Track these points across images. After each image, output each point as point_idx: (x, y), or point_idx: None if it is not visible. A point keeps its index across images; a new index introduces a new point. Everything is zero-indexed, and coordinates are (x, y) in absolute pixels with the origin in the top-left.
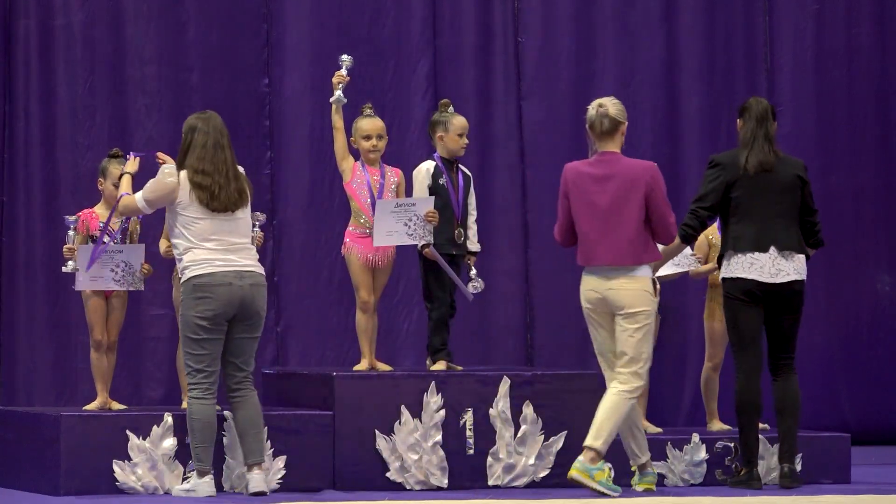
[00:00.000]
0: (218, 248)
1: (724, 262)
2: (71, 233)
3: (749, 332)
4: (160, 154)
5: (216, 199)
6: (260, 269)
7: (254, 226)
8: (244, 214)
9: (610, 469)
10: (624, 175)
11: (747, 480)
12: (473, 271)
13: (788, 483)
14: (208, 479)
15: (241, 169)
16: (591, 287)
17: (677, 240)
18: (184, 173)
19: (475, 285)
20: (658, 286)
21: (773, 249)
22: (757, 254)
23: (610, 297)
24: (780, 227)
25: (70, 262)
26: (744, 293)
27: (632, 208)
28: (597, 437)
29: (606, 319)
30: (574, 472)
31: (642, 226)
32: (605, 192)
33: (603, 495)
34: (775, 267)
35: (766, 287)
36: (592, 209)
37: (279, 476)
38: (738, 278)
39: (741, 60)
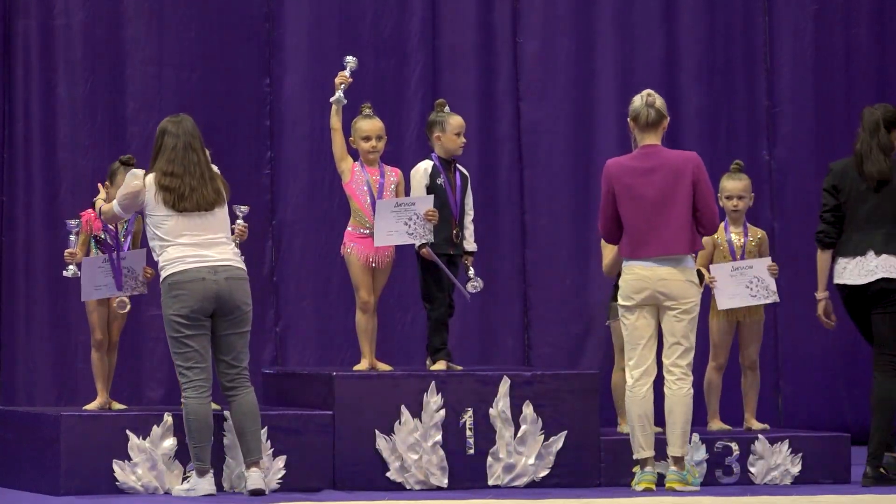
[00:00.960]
0: (189, 243)
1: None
2: (73, 237)
3: (867, 332)
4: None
5: (186, 200)
6: (237, 263)
7: (237, 217)
8: (220, 211)
9: (695, 466)
10: (669, 166)
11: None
12: (471, 271)
13: (871, 483)
14: (208, 478)
15: (215, 168)
16: (636, 278)
17: (822, 252)
18: (151, 176)
19: (474, 285)
20: (704, 276)
21: (870, 253)
22: (853, 258)
23: (659, 288)
24: (881, 232)
25: (71, 267)
26: (844, 298)
27: (679, 199)
28: (683, 444)
29: (651, 311)
30: (672, 484)
31: (690, 216)
32: (652, 184)
33: (694, 493)
34: (866, 268)
35: (856, 288)
36: (639, 201)
37: (279, 476)
38: (837, 285)
39: (740, 60)
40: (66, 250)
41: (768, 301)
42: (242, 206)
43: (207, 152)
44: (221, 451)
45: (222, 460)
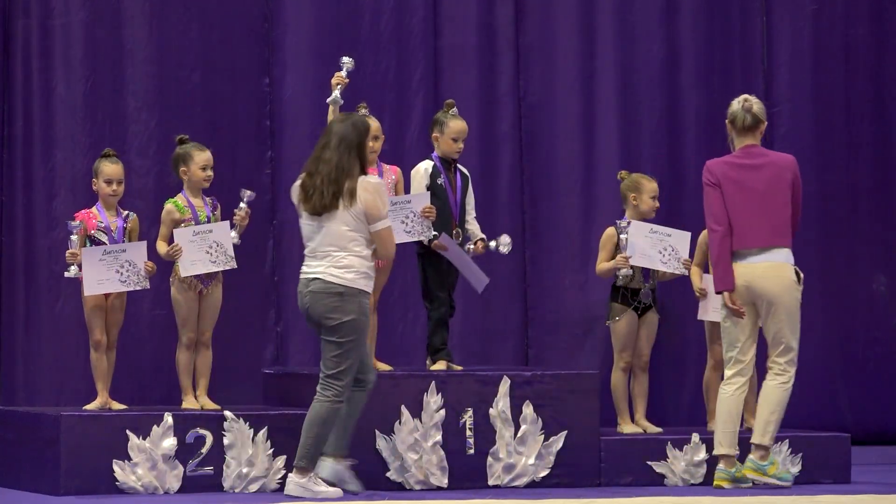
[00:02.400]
0: (308, 252)
1: None
2: (74, 238)
3: None
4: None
5: (307, 201)
6: (326, 276)
7: (241, 200)
8: (332, 220)
9: (778, 462)
10: (775, 163)
11: None
12: (492, 242)
13: None
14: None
15: (370, 178)
16: (738, 273)
17: None
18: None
19: (504, 244)
20: (801, 275)
21: None
22: None
23: (758, 287)
24: None
25: (72, 268)
26: None
27: (783, 194)
28: (764, 433)
29: (750, 311)
30: (748, 472)
31: (790, 211)
32: (760, 179)
33: (777, 487)
34: None
35: None
36: (748, 194)
37: (279, 476)
38: None
39: (738, 60)
40: (68, 251)
41: None
42: (248, 191)
43: (351, 156)
44: (222, 451)
45: (223, 460)
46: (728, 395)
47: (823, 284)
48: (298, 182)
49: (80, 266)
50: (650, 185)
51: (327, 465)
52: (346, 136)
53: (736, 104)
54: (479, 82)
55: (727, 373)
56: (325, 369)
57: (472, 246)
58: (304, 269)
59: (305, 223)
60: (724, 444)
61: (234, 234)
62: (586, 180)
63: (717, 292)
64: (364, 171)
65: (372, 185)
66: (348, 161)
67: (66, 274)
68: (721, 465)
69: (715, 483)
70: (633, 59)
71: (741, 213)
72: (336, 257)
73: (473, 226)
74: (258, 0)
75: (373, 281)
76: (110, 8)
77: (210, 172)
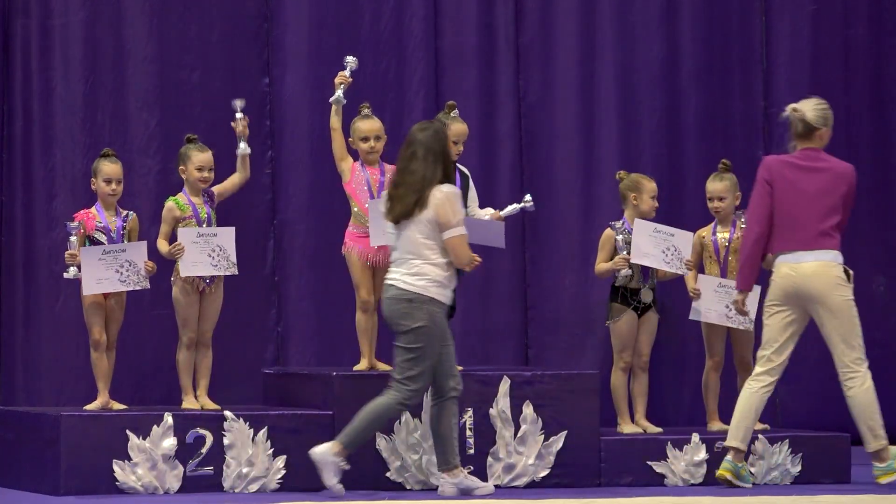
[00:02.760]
0: (391, 261)
1: None
2: (73, 239)
3: None
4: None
5: (389, 211)
6: (401, 283)
7: (235, 112)
8: (409, 227)
9: None
10: (833, 168)
11: None
12: (513, 205)
13: None
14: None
15: (447, 188)
16: (782, 278)
17: None
18: None
19: (527, 202)
20: (851, 273)
21: None
22: None
23: (805, 285)
24: None
25: (72, 269)
26: None
27: (835, 199)
28: (872, 438)
29: (796, 312)
30: (883, 478)
31: (839, 218)
32: (815, 181)
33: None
34: None
35: None
36: (802, 195)
37: (279, 476)
38: None
39: (738, 60)
40: (67, 252)
41: (742, 326)
42: (238, 101)
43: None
44: (222, 451)
45: (223, 460)
46: (752, 392)
47: None
48: (385, 192)
49: (79, 267)
50: (650, 185)
51: (445, 482)
52: (432, 147)
53: (787, 111)
54: (479, 82)
55: (757, 369)
56: (397, 373)
57: (487, 217)
58: (387, 275)
59: (390, 232)
60: (737, 438)
61: (242, 145)
62: (586, 180)
63: (737, 290)
64: (447, 179)
65: (443, 193)
66: (433, 171)
67: (66, 275)
68: (729, 457)
69: (718, 473)
70: (633, 59)
71: (790, 214)
72: (411, 265)
73: (487, 210)
74: (258, 0)
75: (448, 290)
76: (110, 8)
77: (206, 174)
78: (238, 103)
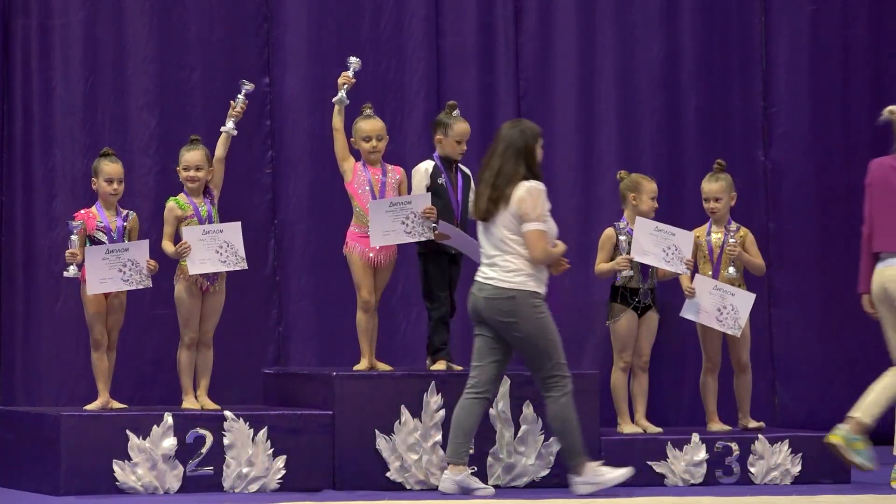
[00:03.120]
0: (482, 259)
1: None
2: (74, 237)
3: None
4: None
5: (476, 209)
6: (498, 282)
7: (239, 93)
8: (495, 224)
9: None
10: None
11: None
12: None
13: None
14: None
15: (532, 184)
16: (875, 279)
17: None
18: None
19: None
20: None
21: None
22: None
23: (891, 288)
24: None
25: (72, 268)
26: None
27: None
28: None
29: (888, 309)
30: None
31: None
32: None
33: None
34: None
35: None
36: (891, 197)
37: (279, 476)
38: None
39: (737, 60)
40: (68, 250)
41: (730, 332)
42: (248, 84)
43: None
44: (222, 451)
45: (223, 460)
46: (889, 378)
47: (822, 284)
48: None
49: (79, 266)
50: (650, 186)
51: (447, 477)
52: (513, 142)
53: (886, 112)
54: (479, 82)
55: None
56: (540, 372)
57: None
58: (478, 273)
59: (479, 230)
60: (860, 410)
61: (230, 124)
62: (586, 180)
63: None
64: (533, 176)
65: (525, 187)
66: (513, 166)
67: (66, 273)
68: (844, 424)
69: (828, 437)
70: (633, 59)
71: (882, 215)
72: (504, 262)
73: None
74: (258, 0)
75: (543, 281)
76: (110, 8)
77: (193, 173)
78: (246, 86)
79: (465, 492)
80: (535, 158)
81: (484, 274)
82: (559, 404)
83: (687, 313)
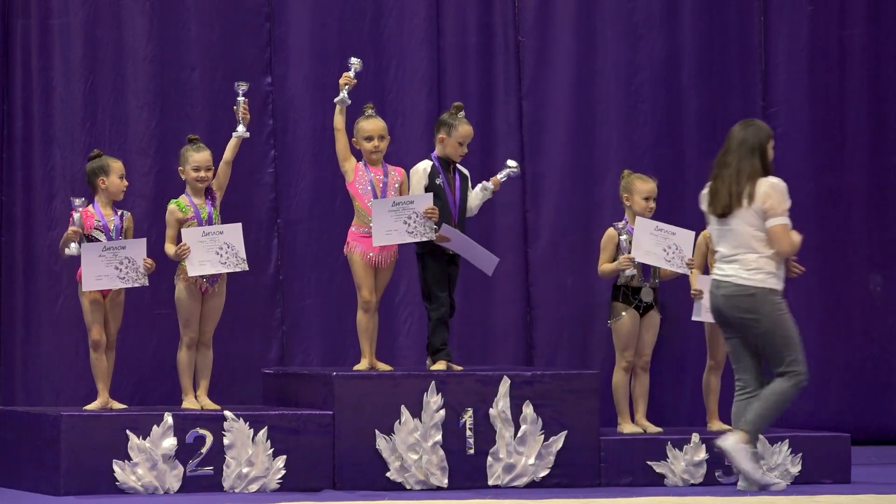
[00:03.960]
0: (717, 258)
1: None
2: (76, 215)
3: None
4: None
5: (712, 203)
6: (738, 279)
7: (237, 95)
8: (737, 221)
9: None
10: None
11: None
12: (501, 172)
13: None
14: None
15: (774, 181)
16: None
17: None
18: None
19: (511, 167)
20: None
21: None
22: None
23: None
24: None
25: (73, 245)
26: None
27: None
28: None
29: None
30: None
31: None
32: None
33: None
34: None
35: None
36: None
37: (279, 476)
38: None
39: (736, 60)
40: (70, 228)
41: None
42: (242, 84)
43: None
44: (222, 451)
45: (223, 460)
46: None
47: (820, 284)
48: (706, 189)
49: (80, 243)
50: (643, 187)
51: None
52: (746, 140)
53: None
54: (479, 82)
55: None
56: (778, 366)
57: (490, 185)
58: (715, 271)
59: (713, 228)
60: None
61: (241, 128)
62: (586, 180)
63: None
64: (767, 173)
65: (769, 183)
66: (749, 163)
67: (67, 251)
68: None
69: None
70: (633, 59)
71: None
72: (744, 260)
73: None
74: None
75: (782, 278)
76: (110, 8)
77: (203, 173)
78: (241, 87)
79: (732, 460)
80: (767, 156)
81: (722, 271)
82: (784, 385)
83: (697, 316)
